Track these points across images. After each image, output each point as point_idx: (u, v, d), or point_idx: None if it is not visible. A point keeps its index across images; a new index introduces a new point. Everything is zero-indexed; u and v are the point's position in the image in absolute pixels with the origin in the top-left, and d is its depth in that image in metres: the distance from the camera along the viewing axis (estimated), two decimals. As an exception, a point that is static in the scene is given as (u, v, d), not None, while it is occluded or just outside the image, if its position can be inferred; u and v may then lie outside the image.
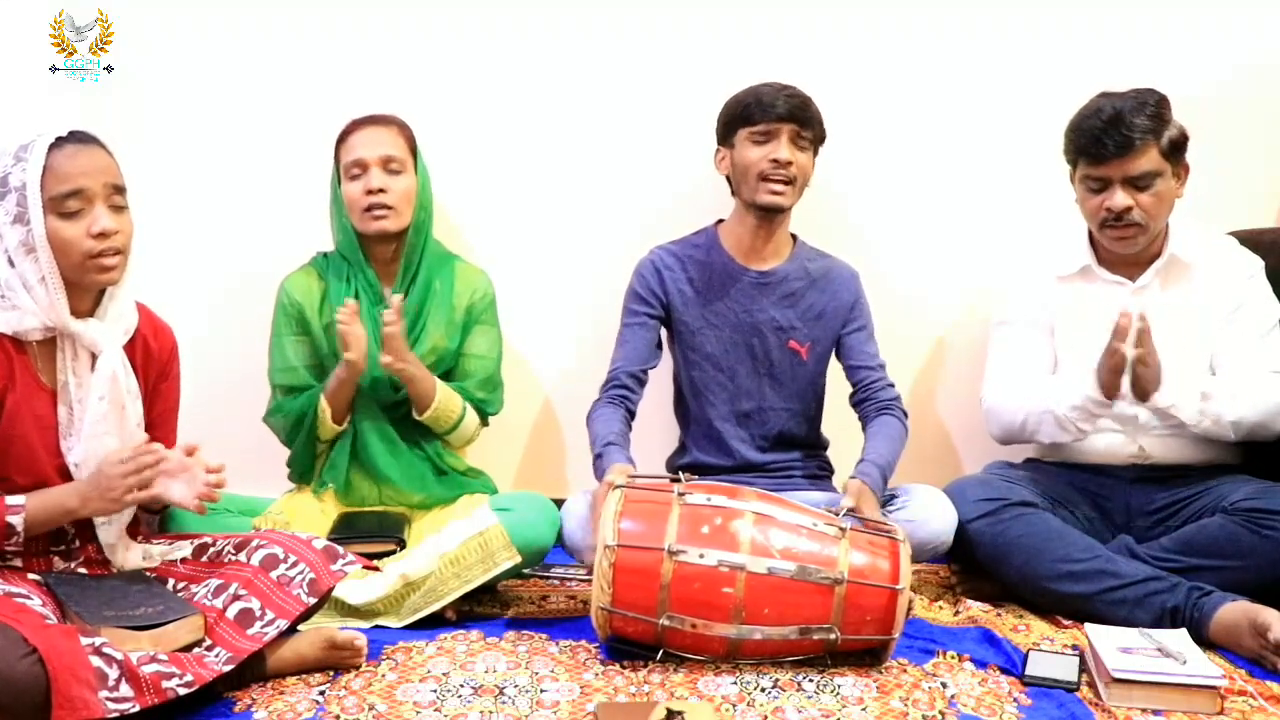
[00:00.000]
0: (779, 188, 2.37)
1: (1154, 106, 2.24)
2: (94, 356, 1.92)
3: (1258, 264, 2.36)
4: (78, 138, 1.87)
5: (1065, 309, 2.41)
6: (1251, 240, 2.43)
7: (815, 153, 2.43)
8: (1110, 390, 2.21)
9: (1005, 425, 2.43)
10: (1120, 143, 2.21)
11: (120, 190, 1.89)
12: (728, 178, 2.47)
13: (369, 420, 2.43)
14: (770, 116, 2.35)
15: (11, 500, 1.83)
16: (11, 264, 1.84)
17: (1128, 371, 2.17)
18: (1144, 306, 2.26)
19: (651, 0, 2.70)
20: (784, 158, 2.35)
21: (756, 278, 2.48)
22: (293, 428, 2.44)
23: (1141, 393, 2.19)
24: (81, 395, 1.91)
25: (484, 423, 2.55)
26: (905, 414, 2.43)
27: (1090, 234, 2.40)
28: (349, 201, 2.42)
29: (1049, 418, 2.34)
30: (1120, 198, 2.25)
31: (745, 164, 2.39)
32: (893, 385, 2.47)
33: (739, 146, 2.40)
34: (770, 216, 2.42)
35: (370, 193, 2.39)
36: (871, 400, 2.45)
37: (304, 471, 2.49)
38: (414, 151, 2.47)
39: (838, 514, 2.04)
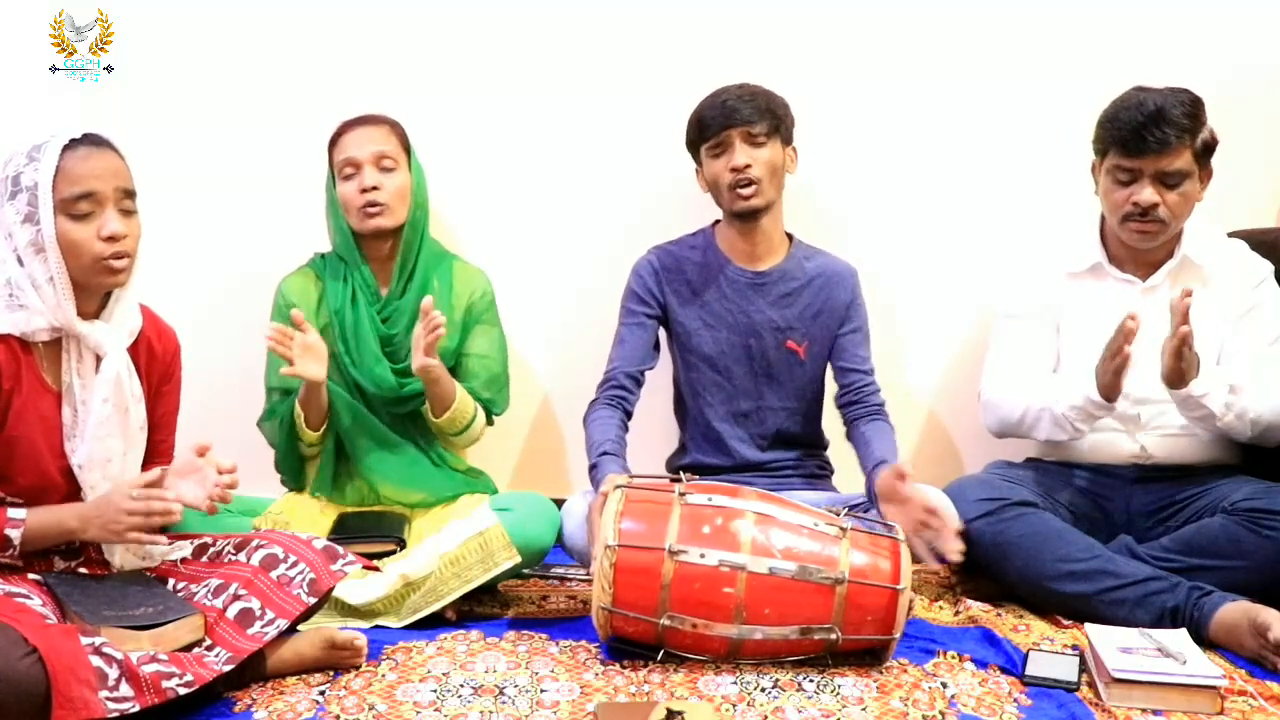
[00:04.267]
0: (746, 192, 2.36)
1: (1190, 106, 2.23)
2: (98, 359, 1.92)
3: (1268, 269, 2.36)
4: (91, 140, 1.87)
5: (1073, 306, 2.41)
6: (1253, 240, 2.42)
7: (785, 141, 2.41)
8: (1109, 392, 2.21)
9: (1003, 418, 2.43)
10: (1160, 138, 2.21)
11: (130, 194, 1.90)
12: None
13: (355, 423, 2.42)
14: (716, 127, 2.36)
15: (13, 514, 1.83)
16: (21, 263, 1.85)
17: (1160, 363, 2.14)
18: (1153, 306, 2.26)
19: (649, 0, 2.70)
20: (740, 163, 2.35)
21: (752, 278, 2.47)
22: (277, 432, 2.44)
23: (1180, 378, 2.16)
24: (86, 397, 1.91)
25: (489, 422, 2.55)
26: (891, 426, 2.44)
27: (1102, 231, 2.40)
28: (344, 201, 2.42)
29: (1047, 415, 2.33)
30: (1148, 193, 2.25)
31: (712, 178, 2.41)
32: (880, 391, 2.47)
33: (704, 163, 2.43)
34: (753, 220, 2.42)
35: (365, 191, 2.38)
36: (861, 404, 2.44)
37: (291, 476, 2.49)
38: (407, 149, 2.47)
39: (839, 514, 2.04)
